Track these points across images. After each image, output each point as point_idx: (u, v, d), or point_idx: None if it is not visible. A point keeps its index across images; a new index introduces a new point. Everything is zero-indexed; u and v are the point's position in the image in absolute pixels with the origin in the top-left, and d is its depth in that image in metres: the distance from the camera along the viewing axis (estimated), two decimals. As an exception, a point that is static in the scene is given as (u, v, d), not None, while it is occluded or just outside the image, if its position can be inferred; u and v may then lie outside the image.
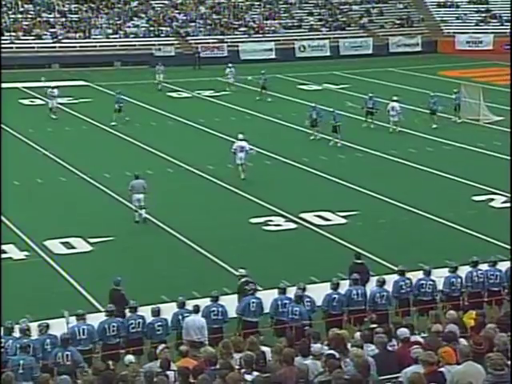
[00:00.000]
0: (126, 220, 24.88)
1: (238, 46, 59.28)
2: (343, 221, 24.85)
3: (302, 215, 25.16)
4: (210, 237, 23.27)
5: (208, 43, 59.01)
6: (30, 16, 59.53)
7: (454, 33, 63.09)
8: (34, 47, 56.34)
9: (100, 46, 57.47)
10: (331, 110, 34.92)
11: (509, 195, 26.28)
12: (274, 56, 59.22)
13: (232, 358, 11.62)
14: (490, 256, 18.36)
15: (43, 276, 21.02)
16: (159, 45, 58.13)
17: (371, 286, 17.37)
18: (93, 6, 61.34)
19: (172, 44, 58.70)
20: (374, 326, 13.93)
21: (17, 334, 14.60)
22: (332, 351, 11.31)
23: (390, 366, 11.07)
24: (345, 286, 17.05)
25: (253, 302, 16.36)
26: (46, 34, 57.59)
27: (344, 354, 11.27)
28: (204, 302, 16.37)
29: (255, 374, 10.66)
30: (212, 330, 15.57)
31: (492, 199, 26.65)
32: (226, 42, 59.41)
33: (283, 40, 60.80)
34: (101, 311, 17.27)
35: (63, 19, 59.70)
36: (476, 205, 26.27)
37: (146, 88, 48.10)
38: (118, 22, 60.24)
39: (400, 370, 10.53)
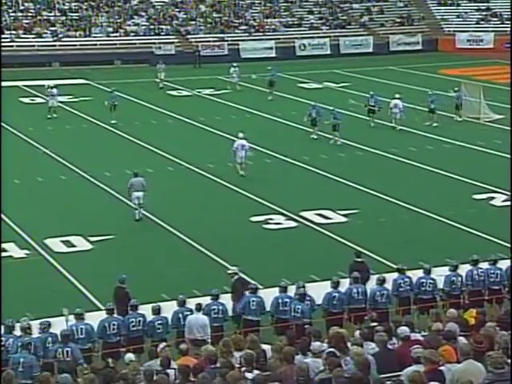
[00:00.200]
0: (126, 218, 24.88)
1: (238, 45, 59.25)
2: (343, 219, 24.85)
3: (303, 214, 25.16)
4: (210, 235, 23.27)
5: (208, 42, 58.99)
6: (30, 14, 59.51)
7: (455, 31, 63.07)
8: (34, 45, 56.33)
9: (100, 45, 57.45)
10: (331, 108, 34.90)
11: (509, 194, 26.28)
12: (274, 54, 59.19)
13: (232, 357, 11.62)
14: (490, 254, 18.37)
15: (43, 274, 21.02)
16: (159, 43, 58.12)
17: (371, 284, 17.37)
18: (93, 4, 61.33)
19: (172, 42, 58.68)
20: (374, 324, 13.93)
21: (18, 332, 14.60)
22: (332, 349, 11.30)
23: (390, 364, 11.06)
24: (345, 284, 17.05)
25: (253, 301, 16.36)
26: (46, 33, 57.58)
27: (344, 353, 11.26)
28: (204, 301, 16.37)
29: (256, 372, 10.65)
30: (213, 328, 15.58)
31: (492, 198, 26.65)
32: (227, 41, 59.39)
33: (283, 38, 60.78)
34: (101, 309, 17.27)
35: (63, 17, 59.69)
36: (476, 203, 26.27)
37: (147, 86, 48.10)
38: (119, 21, 60.22)
39: (400, 369, 10.53)
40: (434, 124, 36.72)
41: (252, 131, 33.35)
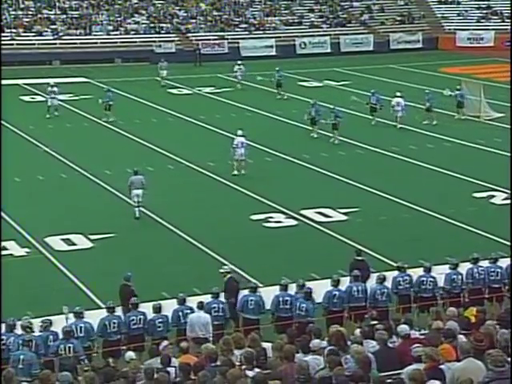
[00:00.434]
0: (126, 217, 24.89)
1: (238, 43, 59.22)
2: (344, 217, 24.85)
3: (303, 212, 25.16)
4: (210, 233, 23.28)
5: (208, 40, 58.97)
6: (30, 13, 59.49)
7: (455, 29, 63.05)
8: (34, 44, 56.31)
9: (101, 43, 57.42)
10: (332, 107, 34.87)
11: (509, 192, 26.27)
12: (274, 53, 59.16)
13: (233, 355, 11.63)
14: (490, 253, 18.38)
15: (44, 272, 21.03)
16: (160, 41, 58.09)
17: (372, 282, 17.38)
18: (93, 2, 61.29)
19: (172, 41, 58.65)
20: (375, 322, 13.95)
21: (19, 331, 14.62)
22: (333, 347, 11.31)
23: (390, 362, 11.08)
24: (345, 282, 17.06)
25: (251, 300, 16.38)
26: (46, 31, 57.56)
27: (344, 351, 11.28)
28: (205, 299, 16.39)
29: (256, 370, 10.66)
30: (213, 326, 15.59)
31: (493, 196, 26.65)
32: (227, 39, 59.37)
33: (284, 37, 60.76)
34: (101, 308, 17.28)
35: (64, 16, 59.67)
36: (477, 201, 26.27)
37: (147, 84, 48.10)
38: (119, 19, 60.21)
39: (401, 367, 10.54)
40: (434, 122, 36.72)
41: (252, 130, 33.34)
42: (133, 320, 15.63)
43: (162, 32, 59.64)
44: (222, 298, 16.44)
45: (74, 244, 22.79)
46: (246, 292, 16.76)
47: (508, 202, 25.74)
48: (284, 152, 32.24)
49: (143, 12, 61.61)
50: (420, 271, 17.67)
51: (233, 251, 21.84)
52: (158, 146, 33.42)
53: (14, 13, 58.95)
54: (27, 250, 22.36)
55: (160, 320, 15.66)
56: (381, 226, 24.19)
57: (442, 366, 10.10)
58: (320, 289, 17.06)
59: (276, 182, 28.73)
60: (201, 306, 15.68)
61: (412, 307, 17.05)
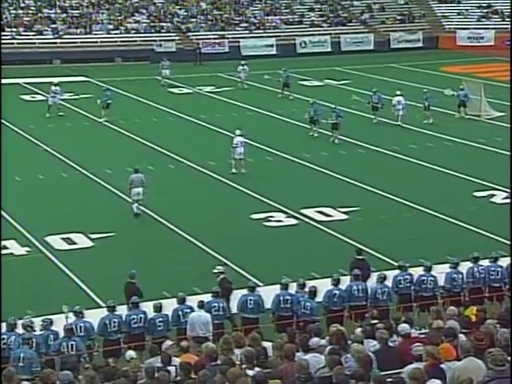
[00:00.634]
0: (127, 216, 24.90)
1: (238, 42, 59.21)
2: (344, 217, 24.85)
3: (303, 211, 25.16)
4: (211, 232, 23.29)
5: (209, 39, 58.96)
6: (31, 11, 59.48)
7: (456, 28, 63.02)
8: (35, 43, 56.30)
9: (101, 42, 57.41)
10: (333, 106, 34.82)
11: (510, 191, 26.26)
12: (275, 52, 59.15)
13: (233, 354, 11.64)
14: (491, 252, 18.38)
15: (44, 272, 21.04)
16: (160, 40, 58.07)
17: (372, 282, 17.38)
18: (94, 1, 61.26)
19: (173, 40, 58.63)
20: (375, 321, 13.94)
21: (20, 330, 14.63)
22: (334, 346, 11.31)
23: (391, 361, 11.08)
24: (346, 281, 17.07)
25: (250, 299, 16.38)
26: (47, 30, 57.55)
27: (344, 350, 11.28)
28: (205, 298, 16.40)
29: (257, 369, 10.67)
30: (213, 325, 15.60)
31: (493, 195, 26.65)
32: (227, 38, 59.35)
33: (284, 36, 60.74)
34: (102, 307, 17.30)
35: (64, 15, 59.65)
36: (477, 201, 26.28)
37: (147, 84, 48.09)
38: (119, 18, 60.20)
39: (401, 366, 10.54)
40: (430, 120, 36.72)
41: (253, 129, 33.34)
42: (133, 319, 15.64)
43: (163, 31, 59.63)
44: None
45: (74, 243, 22.80)
46: (244, 291, 16.75)
47: (508, 201, 25.74)
48: (285, 151, 32.23)
49: (143, 11, 61.60)
50: (420, 270, 17.66)
51: (233, 250, 21.85)
52: (158, 146, 33.42)
53: (14, 12, 58.94)
54: (27, 249, 22.36)
55: (160, 319, 15.67)
56: (381, 225, 24.19)
57: (442, 365, 10.10)
58: (320, 288, 17.03)
59: (276, 181, 28.73)
60: (201, 305, 15.69)
61: (413, 306, 17.05)
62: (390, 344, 12.08)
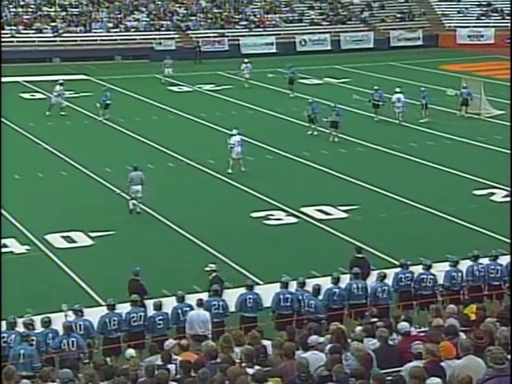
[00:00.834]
0: (126, 214, 24.91)
1: (238, 40, 59.19)
2: (344, 215, 24.86)
3: (303, 209, 25.16)
4: (211, 231, 23.29)
5: (209, 37, 58.94)
6: (30, 10, 59.45)
7: (455, 27, 62.99)
8: (34, 41, 56.27)
9: (101, 40, 57.39)
10: (333, 105, 34.78)
11: (509, 189, 26.27)
12: (274, 50, 59.12)
13: (233, 352, 11.64)
14: (490, 250, 18.38)
15: (44, 270, 21.04)
16: (160, 39, 58.04)
17: (372, 280, 17.39)
18: (93, -1, 61.33)
19: (172, 38, 58.60)
20: (375, 319, 13.95)
21: (20, 328, 14.63)
22: (335, 345, 11.30)
23: (391, 359, 11.09)
24: (345, 280, 17.07)
25: (249, 298, 16.37)
26: (46, 28, 57.52)
27: (344, 348, 11.28)
28: (205, 296, 16.39)
29: (256, 368, 10.67)
30: (213, 323, 15.60)
31: (493, 193, 26.66)
32: (227, 36, 59.32)
33: (284, 34, 60.72)
34: (101, 305, 17.30)
35: (64, 13, 59.62)
36: (477, 199, 26.28)
37: (147, 82, 48.06)
38: (119, 16, 60.17)
39: (401, 364, 10.55)
40: (426, 119, 36.71)
41: (253, 127, 33.33)
42: (133, 317, 15.65)
43: (162, 29, 59.59)
44: (223, 295, 16.45)
45: (74, 241, 22.80)
46: (243, 290, 16.74)
47: (508, 199, 25.74)
48: (284, 149, 32.22)
49: (143, 9, 61.56)
50: (420, 269, 17.66)
51: (233, 249, 21.86)
52: (158, 144, 33.41)
53: (13, 10, 58.92)
54: (27, 247, 22.37)
55: (160, 317, 15.68)
56: (381, 223, 24.20)
57: (442, 364, 10.10)
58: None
59: (276, 179, 28.72)
60: (200, 303, 15.69)
61: (413, 304, 17.05)
62: (390, 342, 12.09)
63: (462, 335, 11.40)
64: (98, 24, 58.87)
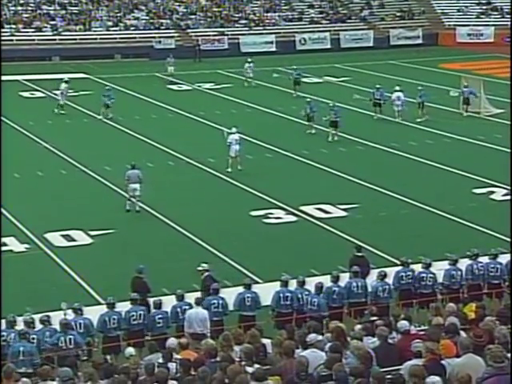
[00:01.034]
0: (126, 213, 24.90)
1: (238, 39, 59.18)
2: (343, 213, 24.86)
3: (303, 208, 25.16)
4: (210, 229, 23.29)
5: (208, 36, 58.93)
6: (30, 8, 59.44)
7: (455, 25, 62.99)
8: (34, 40, 56.26)
9: (100, 39, 57.39)
10: (331, 104, 34.73)
11: (509, 188, 26.27)
12: (274, 49, 59.13)
13: (232, 351, 11.64)
14: (490, 249, 18.38)
15: (43, 269, 21.04)
16: (159, 37, 58.04)
17: (371, 279, 17.39)
18: (93, -2, 61.30)
19: (172, 36, 58.60)
20: (374, 318, 13.94)
21: (19, 327, 14.63)
22: (334, 343, 11.30)
23: (390, 358, 11.09)
24: (345, 278, 17.06)
25: (248, 297, 16.37)
26: (46, 27, 57.51)
27: (344, 347, 11.27)
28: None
29: (256, 366, 10.66)
30: (212, 322, 15.60)
31: (492, 192, 26.66)
32: (227, 35, 59.31)
33: (284, 33, 60.72)
34: (101, 304, 17.29)
35: (63, 11, 59.61)
36: (476, 197, 26.28)
37: (147, 80, 48.06)
38: (119, 15, 60.15)
39: (401, 363, 10.54)
40: (423, 118, 36.71)
41: (252, 126, 33.32)
42: (133, 316, 15.64)
43: (162, 28, 59.59)
44: (221, 294, 16.44)
45: (73, 240, 22.80)
46: (241, 289, 16.73)
47: (508, 198, 25.74)
48: (284, 148, 32.22)
49: (143, 8, 61.56)
50: (419, 267, 17.66)
51: (232, 247, 21.86)
52: (157, 142, 33.41)
53: (13, 8, 58.90)
54: (27, 245, 22.37)
55: (160, 316, 15.67)
56: (380, 222, 24.20)
57: (442, 362, 10.10)
58: (320, 285, 17.06)
59: (276, 178, 28.72)
60: (199, 301, 15.68)
61: (413, 303, 17.05)
62: (390, 341, 12.09)
63: (462, 333, 11.40)
64: (97, 22, 58.86)
